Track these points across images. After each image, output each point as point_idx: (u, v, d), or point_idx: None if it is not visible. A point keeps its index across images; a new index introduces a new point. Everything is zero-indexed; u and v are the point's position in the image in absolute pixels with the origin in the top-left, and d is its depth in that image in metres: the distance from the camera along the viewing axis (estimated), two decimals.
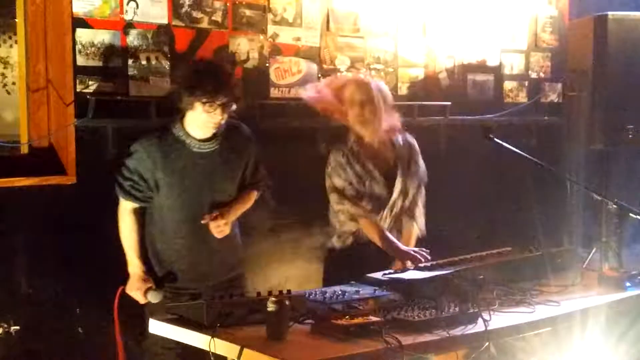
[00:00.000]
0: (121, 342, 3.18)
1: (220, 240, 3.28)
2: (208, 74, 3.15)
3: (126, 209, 3.27)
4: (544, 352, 3.32)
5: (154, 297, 3.21)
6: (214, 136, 3.26)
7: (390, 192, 3.62)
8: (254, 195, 3.48)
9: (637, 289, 3.30)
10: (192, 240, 3.26)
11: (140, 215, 3.29)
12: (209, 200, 3.26)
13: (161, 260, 3.30)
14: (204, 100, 3.10)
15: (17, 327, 3.49)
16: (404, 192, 3.65)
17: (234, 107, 3.19)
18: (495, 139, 3.53)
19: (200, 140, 3.23)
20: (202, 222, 3.20)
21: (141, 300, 3.24)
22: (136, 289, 3.23)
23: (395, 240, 3.56)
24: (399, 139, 3.70)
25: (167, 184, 3.22)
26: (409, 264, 3.38)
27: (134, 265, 3.26)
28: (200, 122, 3.18)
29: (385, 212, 3.60)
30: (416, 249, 3.48)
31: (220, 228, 3.22)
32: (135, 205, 3.27)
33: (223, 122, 3.19)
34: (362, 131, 3.59)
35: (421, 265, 3.35)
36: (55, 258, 3.57)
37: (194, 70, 3.22)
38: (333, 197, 3.59)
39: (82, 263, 3.61)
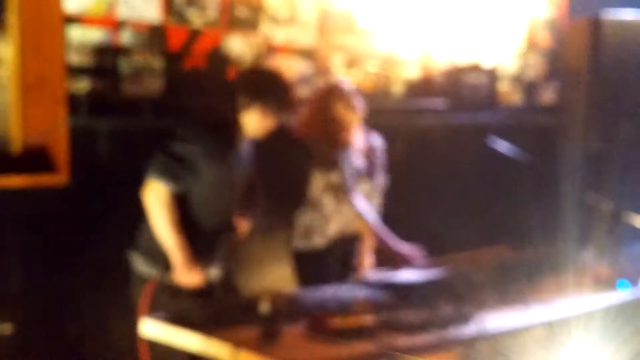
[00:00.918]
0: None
1: None
2: (273, 84, 3.26)
3: (161, 196, 3.08)
4: (538, 352, 3.31)
5: (202, 276, 3.11)
6: None
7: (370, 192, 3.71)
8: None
9: (631, 289, 3.30)
10: (213, 238, 3.25)
11: (174, 203, 3.14)
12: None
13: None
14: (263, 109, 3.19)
15: (9, 327, 3.47)
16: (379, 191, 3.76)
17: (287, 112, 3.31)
18: (492, 147, 3.53)
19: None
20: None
21: (194, 281, 3.11)
22: (186, 273, 3.10)
23: (389, 239, 3.57)
24: (373, 139, 3.79)
25: (211, 181, 3.17)
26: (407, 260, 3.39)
27: (181, 252, 3.09)
28: (254, 125, 3.23)
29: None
30: (410, 247, 3.48)
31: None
32: (170, 190, 3.09)
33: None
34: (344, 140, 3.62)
35: (415, 265, 3.36)
36: (48, 258, 3.56)
37: (256, 76, 3.37)
38: (328, 197, 3.57)
39: (74, 263, 3.60)
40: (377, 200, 3.77)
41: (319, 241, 3.62)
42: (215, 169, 3.17)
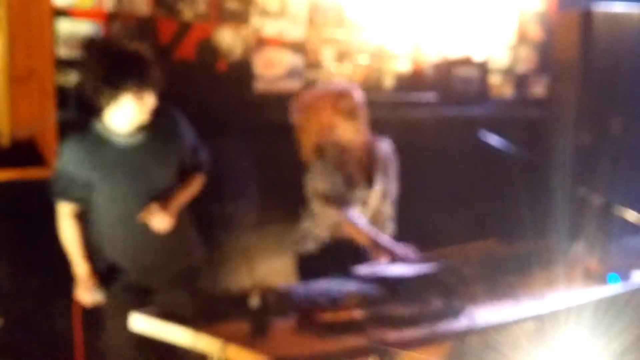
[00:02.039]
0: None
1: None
2: (130, 63, 2.97)
3: (64, 212, 3.16)
4: (529, 346, 3.32)
5: (98, 296, 3.14)
6: (140, 127, 3.12)
7: (368, 198, 3.62)
8: (198, 179, 3.32)
9: (621, 284, 3.30)
10: (133, 234, 3.14)
11: (79, 218, 3.17)
12: (146, 190, 3.12)
13: (104, 258, 3.19)
14: (131, 92, 2.96)
15: (1, 322, 3.45)
16: (383, 197, 3.66)
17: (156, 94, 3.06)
18: (484, 140, 3.52)
19: (124, 135, 3.09)
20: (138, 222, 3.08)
21: (89, 300, 3.15)
22: (84, 290, 3.14)
23: (380, 238, 3.55)
24: (379, 144, 3.69)
25: (99, 181, 3.10)
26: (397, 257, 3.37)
27: (81, 268, 3.16)
28: (126, 116, 3.04)
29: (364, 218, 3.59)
30: (402, 246, 3.47)
31: (159, 221, 3.08)
32: (72, 206, 3.15)
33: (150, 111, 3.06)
34: (349, 141, 3.55)
35: (406, 260, 3.35)
36: (37, 252, 3.54)
37: (112, 61, 2.98)
38: (316, 202, 3.55)
39: (64, 257, 3.58)
40: (384, 208, 3.68)
41: (311, 245, 3.60)
42: (99, 174, 3.09)
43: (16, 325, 3.50)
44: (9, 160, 3.52)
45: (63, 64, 3.57)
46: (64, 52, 3.56)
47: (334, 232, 3.55)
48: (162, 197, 3.14)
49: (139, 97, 3.00)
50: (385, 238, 3.54)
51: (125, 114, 3.03)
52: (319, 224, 3.57)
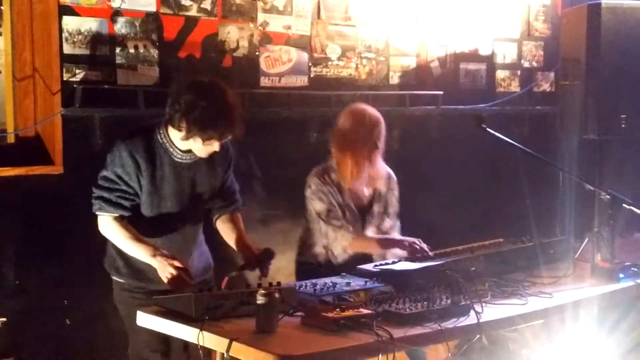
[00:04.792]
0: None
1: (195, 246, 3.19)
2: (222, 117, 2.90)
3: (108, 220, 2.99)
4: (536, 343, 3.30)
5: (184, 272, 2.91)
6: None
7: (364, 228, 3.59)
8: (240, 218, 3.31)
9: (630, 280, 3.28)
10: (167, 247, 3.02)
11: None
12: (186, 209, 3.10)
13: (131, 264, 3.08)
14: (209, 139, 2.93)
15: (4, 319, 3.46)
16: (377, 228, 3.62)
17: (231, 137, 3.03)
18: (488, 129, 3.50)
19: (182, 151, 3.03)
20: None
21: (177, 275, 2.89)
22: (166, 265, 2.89)
23: (388, 236, 3.55)
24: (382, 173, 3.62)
25: (147, 192, 3.02)
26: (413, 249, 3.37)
27: (150, 251, 2.94)
28: (194, 147, 2.99)
29: None
30: (413, 239, 3.46)
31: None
32: (119, 214, 3.00)
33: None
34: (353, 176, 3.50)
35: (414, 257, 3.34)
36: (43, 248, 3.54)
37: (205, 109, 2.88)
38: (321, 225, 3.50)
39: (69, 253, 3.58)
40: (382, 225, 3.66)
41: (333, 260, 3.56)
42: (149, 183, 3.01)
43: (19, 322, 3.51)
44: (15, 157, 3.52)
45: (68, 61, 3.56)
46: (69, 49, 3.56)
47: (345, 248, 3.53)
48: (199, 220, 3.18)
49: (217, 143, 2.96)
50: (394, 235, 3.55)
51: (194, 147, 2.99)
52: (334, 245, 3.53)
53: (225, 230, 3.25)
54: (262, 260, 3.05)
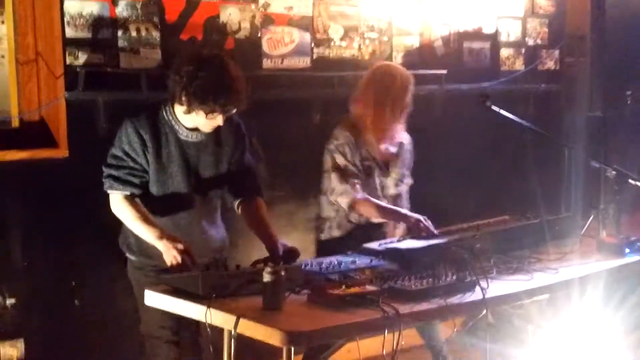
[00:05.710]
0: None
1: (209, 225, 3.18)
2: (222, 88, 2.89)
3: (119, 199, 3.01)
4: (542, 319, 3.31)
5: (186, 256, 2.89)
6: None
7: (385, 181, 3.68)
8: (264, 205, 3.27)
9: (636, 255, 3.28)
10: (177, 227, 3.06)
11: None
12: (194, 188, 3.10)
13: (142, 241, 3.06)
14: (211, 111, 2.92)
15: (13, 300, 3.48)
16: (398, 182, 3.71)
17: (235, 110, 3.01)
18: (492, 106, 3.49)
19: (188, 129, 3.04)
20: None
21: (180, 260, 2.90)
22: (170, 248, 2.90)
23: (396, 208, 3.56)
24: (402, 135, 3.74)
25: (154, 170, 3.04)
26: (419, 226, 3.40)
27: (157, 233, 2.95)
28: (198, 122, 3.00)
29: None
30: (418, 216, 3.46)
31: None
32: (130, 192, 3.02)
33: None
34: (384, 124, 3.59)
35: (419, 235, 3.34)
36: (48, 231, 3.56)
37: (205, 79, 2.88)
38: (334, 176, 3.55)
39: (75, 236, 3.60)
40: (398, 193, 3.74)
41: (335, 233, 3.63)
42: (156, 161, 3.02)
43: (28, 303, 3.53)
44: (20, 140, 3.52)
45: (71, 45, 3.56)
46: (71, 32, 3.55)
47: (351, 213, 3.55)
48: (210, 200, 3.15)
49: (220, 116, 2.95)
50: (401, 209, 3.56)
51: (198, 121, 2.99)
52: (338, 209, 3.57)
53: (249, 219, 3.21)
54: (287, 261, 2.99)
